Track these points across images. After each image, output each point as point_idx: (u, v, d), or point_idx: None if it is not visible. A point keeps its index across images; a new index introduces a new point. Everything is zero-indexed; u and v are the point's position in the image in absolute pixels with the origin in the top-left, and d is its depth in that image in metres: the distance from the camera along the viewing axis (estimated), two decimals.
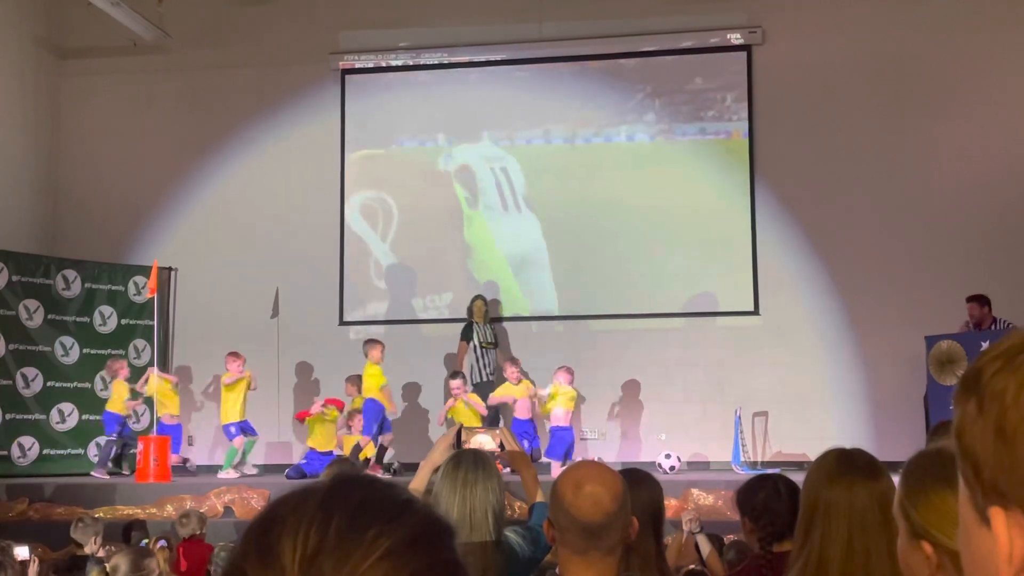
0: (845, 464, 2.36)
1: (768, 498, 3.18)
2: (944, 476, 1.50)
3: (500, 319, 12.00)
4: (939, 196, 11.21)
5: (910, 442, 9.73)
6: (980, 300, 10.11)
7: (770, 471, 3.93)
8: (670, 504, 8.76)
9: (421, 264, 12.34)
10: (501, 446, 3.56)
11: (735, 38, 11.98)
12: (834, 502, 2.29)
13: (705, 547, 4.93)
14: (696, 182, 11.91)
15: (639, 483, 3.01)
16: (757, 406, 11.37)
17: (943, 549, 1.46)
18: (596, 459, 9.61)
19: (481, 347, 11.28)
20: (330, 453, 10.58)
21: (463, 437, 3.54)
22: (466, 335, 11.36)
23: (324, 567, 0.85)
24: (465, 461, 3.13)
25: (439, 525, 0.92)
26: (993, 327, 9.93)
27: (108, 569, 4.43)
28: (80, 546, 6.83)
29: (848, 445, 2.48)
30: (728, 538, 6.75)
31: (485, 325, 11.38)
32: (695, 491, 9.01)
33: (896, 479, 2.38)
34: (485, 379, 11.20)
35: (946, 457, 1.54)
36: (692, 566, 4.84)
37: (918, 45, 11.44)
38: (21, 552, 5.60)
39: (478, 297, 11.51)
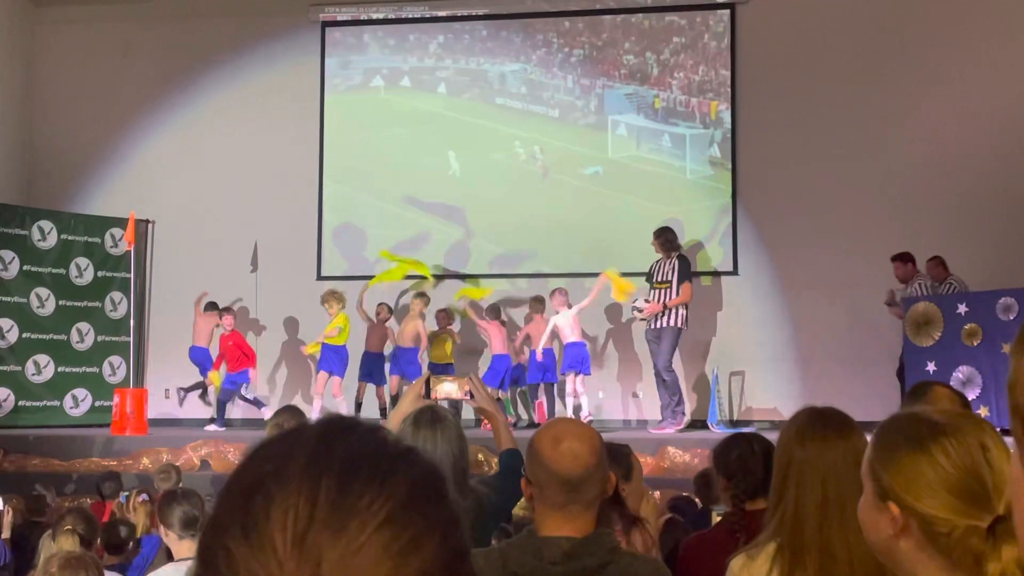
0: (818, 422, 2.39)
1: (742, 456, 3.20)
2: (916, 439, 1.51)
3: (479, 275, 11.98)
4: (921, 157, 11.22)
5: (885, 403, 9.82)
6: (903, 258, 10.23)
7: (746, 430, 3.96)
8: (647, 462, 8.83)
9: (401, 216, 12.29)
10: (470, 395, 3.55)
11: None
12: (808, 459, 2.32)
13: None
14: (677, 140, 11.92)
15: None
16: (734, 365, 11.43)
17: (909, 511, 1.47)
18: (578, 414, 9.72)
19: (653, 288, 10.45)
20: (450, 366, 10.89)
21: (432, 386, 3.53)
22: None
23: (320, 542, 0.78)
24: (423, 420, 3.13)
25: (433, 476, 0.87)
26: (950, 289, 9.99)
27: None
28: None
29: (822, 405, 2.50)
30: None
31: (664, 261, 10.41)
32: (671, 449, 9.06)
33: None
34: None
35: (919, 421, 1.55)
36: (669, 515, 4.89)
37: (903, 6, 11.41)
38: None
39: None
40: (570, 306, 10.69)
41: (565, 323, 10.62)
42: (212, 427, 10.79)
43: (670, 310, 10.16)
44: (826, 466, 2.29)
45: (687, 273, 10.25)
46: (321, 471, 0.81)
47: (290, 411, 4.92)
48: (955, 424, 1.51)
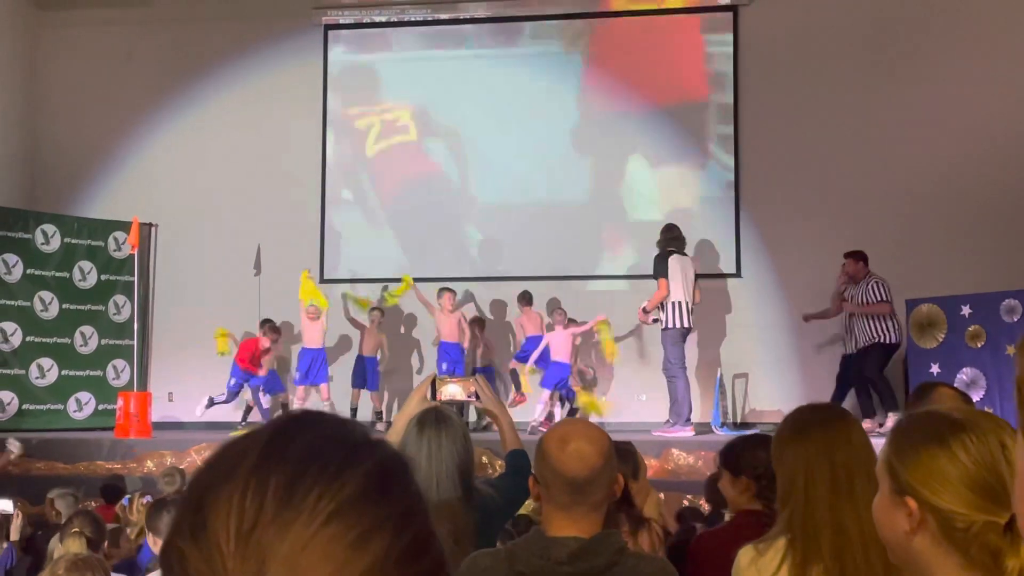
0: (816, 413, 2.47)
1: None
2: (936, 435, 1.51)
3: (490, 279, 11.99)
4: (926, 160, 11.20)
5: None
6: (856, 256, 10.19)
7: (752, 432, 3.94)
8: (651, 463, 8.83)
9: (403, 221, 12.29)
10: (476, 395, 3.55)
11: None
12: (815, 449, 2.36)
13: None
14: (680, 144, 11.89)
15: None
16: (738, 367, 11.42)
17: (927, 506, 1.48)
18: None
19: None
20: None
21: (437, 387, 3.54)
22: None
23: (263, 541, 0.76)
24: (428, 422, 3.13)
25: (391, 468, 0.84)
26: (876, 286, 9.99)
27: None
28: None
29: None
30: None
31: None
32: (675, 451, 9.06)
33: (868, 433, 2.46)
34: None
35: (939, 418, 1.56)
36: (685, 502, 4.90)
37: (906, 7, 11.40)
38: (5, 506, 5.59)
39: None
40: (566, 326, 10.68)
41: (560, 342, 10.60)
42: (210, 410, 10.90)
43: (664, 313, 10.06)
44: (834, 452, 2.33)
45: (660, 270, 10.05)
46: (272, 468, 0.80)
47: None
48: (975, 421, 1.52)
